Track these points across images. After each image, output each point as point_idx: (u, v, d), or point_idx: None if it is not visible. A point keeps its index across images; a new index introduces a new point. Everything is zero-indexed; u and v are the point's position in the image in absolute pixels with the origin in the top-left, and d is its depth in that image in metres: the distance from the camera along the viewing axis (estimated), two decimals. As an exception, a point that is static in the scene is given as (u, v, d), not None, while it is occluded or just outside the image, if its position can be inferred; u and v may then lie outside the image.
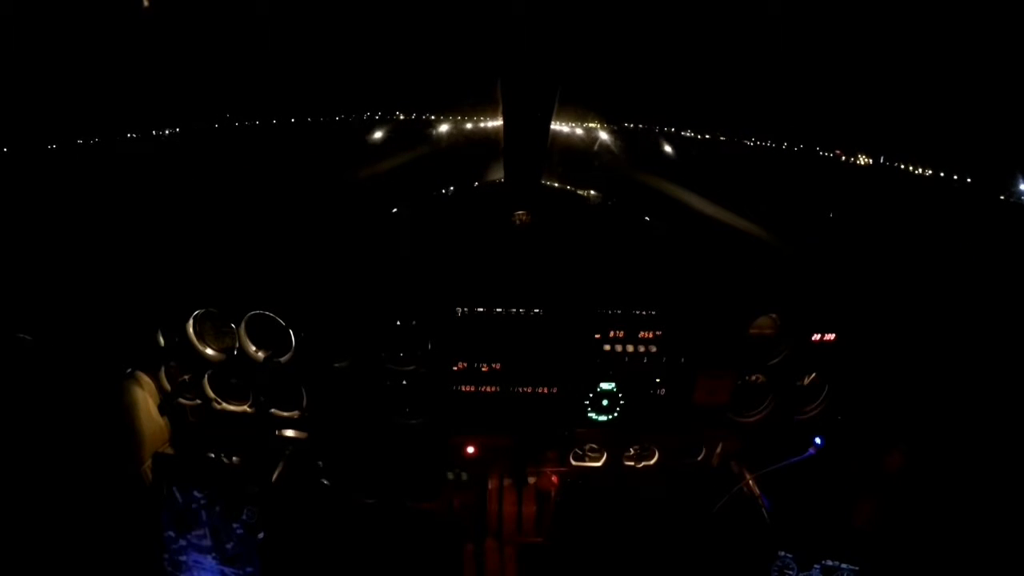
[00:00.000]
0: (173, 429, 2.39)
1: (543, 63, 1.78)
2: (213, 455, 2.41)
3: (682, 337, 2.14)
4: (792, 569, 1.93)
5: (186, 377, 2.28)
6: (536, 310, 2.12)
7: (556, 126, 2.10)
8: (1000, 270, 2.24)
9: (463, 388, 2.23)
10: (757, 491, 2.19)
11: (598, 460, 2.43)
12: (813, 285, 2.17)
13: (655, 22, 2.44)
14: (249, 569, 2.01)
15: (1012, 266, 2.24)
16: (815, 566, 1.92)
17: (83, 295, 2.10)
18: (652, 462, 2.42)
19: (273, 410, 2.32)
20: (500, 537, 2.23)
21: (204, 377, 2.30)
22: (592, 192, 2.96)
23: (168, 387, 2.31)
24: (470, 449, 2.35)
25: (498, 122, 2.07)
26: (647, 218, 2.81)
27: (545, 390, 2.23)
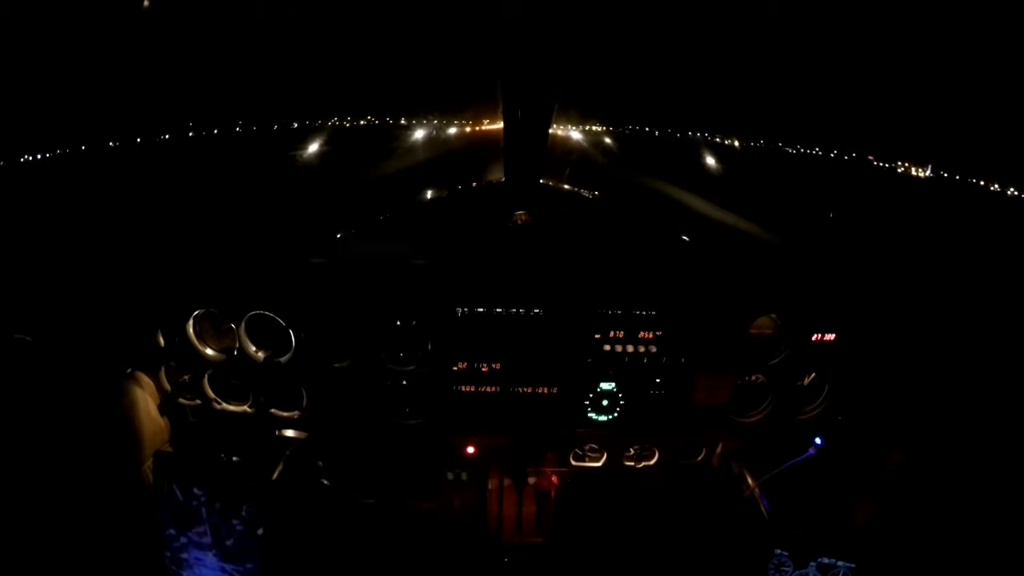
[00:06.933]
0: (173, 429, 2.39)
1: (543, 64, 1.78)
2: (213, 454, 2.41)
3: (682, 337, 2.14)
4: (788, 566, 1.94)
5: (186, 377, 2.28)
6: (536, 310, 2.12)
7: (557, 128, 2.10)
8: (1000, 270, 2.24)
9: (463, 388, 2.23)
10: (758, 492, 2.19)
11: (598, 460, 2.43)
12: (813, 285, 2.17)
13: (656, 24, 2.44)
14: (249, 565, 2.02)
15: (1012, 266, 2.24)
16: (811, 564, 1.93)
17: (83, 295, 2.10)
18: (652, 462, 2.43)
19: (273, 410, 2.32)
20: (500, 536, 2.24)
21: (204, 377, 2.30)
22: (592, 192, 2.96)
23: (168, 387, 2.31)
24: (470, 449, 2.35)
25: (498, 123, 2.08)
26: (647, 219, 2.82)
27: (545, 390, 2.23)
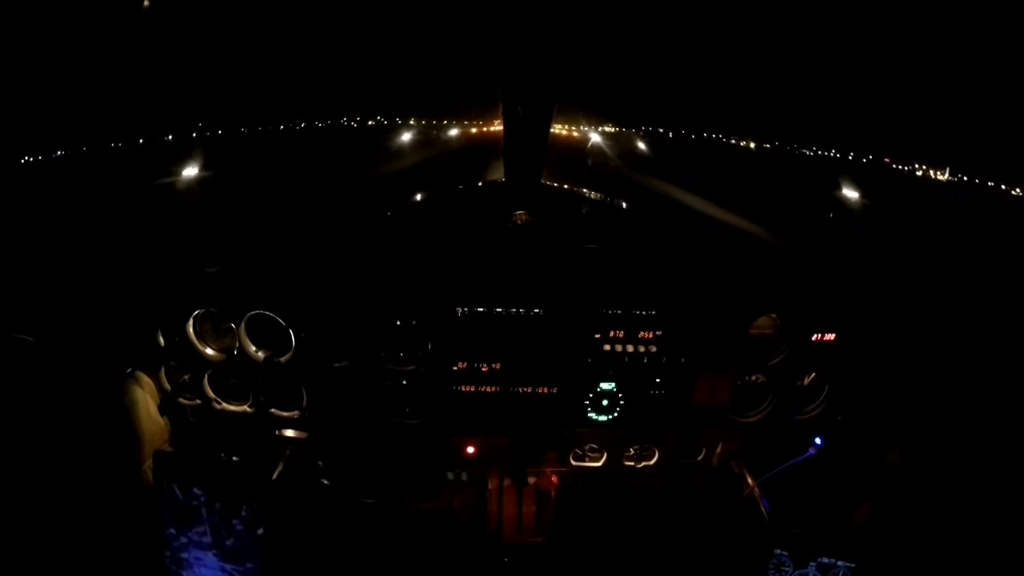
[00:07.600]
0: (173, 429, 2.39)
1: (543, 62, 1.78)
2: (213, 454, 2.41)
3: (682, 337, 2.14)
4: (788, 566, 1.94)
5: (186, 377, 2.29)
6: (536, 310, 2.12)
7: (557, 127, 2.10)
8: (999, 270, 2.24)
9: (463, 388, 2.23)
10: (758, 492, 2.19)
11: (598, 460, 2.43)
12: (813, 285, 2.17)
13: (656, 23, 2.44)
14: (249, 565, 2.02)
15: (1011, 267, 2.24)
16: (811, 564, 1.93)
17: (83, 295, 2.10)
18: (652, 462, 2.43)
19: (273, 410, 2.32)
20: (500, 536, 2.24)
21: (204, 377, 2.30)
22: (593, 192, 2.96)
23: (168, 387, 2.31)
24: (470, 449, 2.35)
25: (498, 122, 2.08)
26: (649, 219, 2.81)
27: (545, 390, 2.23)
